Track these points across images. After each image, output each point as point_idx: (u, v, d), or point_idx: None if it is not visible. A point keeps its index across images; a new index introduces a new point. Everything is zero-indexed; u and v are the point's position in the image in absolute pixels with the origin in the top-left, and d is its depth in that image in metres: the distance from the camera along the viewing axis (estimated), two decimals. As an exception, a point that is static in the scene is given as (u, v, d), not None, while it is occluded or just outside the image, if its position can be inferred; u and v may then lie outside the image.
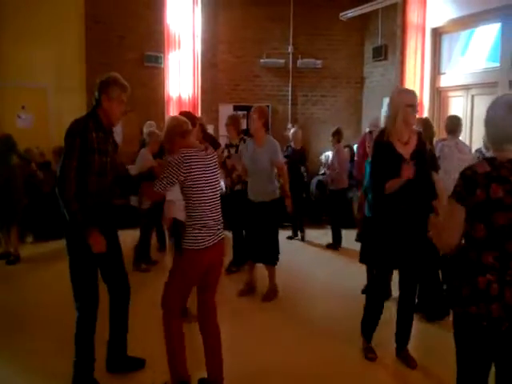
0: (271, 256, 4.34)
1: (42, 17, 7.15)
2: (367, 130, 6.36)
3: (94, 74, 7.66)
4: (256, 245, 4.32)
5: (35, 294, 4.57)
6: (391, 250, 3.12)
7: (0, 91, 6.73)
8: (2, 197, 5.28)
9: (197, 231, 2.58)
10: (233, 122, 5.05)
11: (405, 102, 3.05)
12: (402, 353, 3.26)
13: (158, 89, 8.04)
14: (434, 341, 3.60)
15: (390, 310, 3.45)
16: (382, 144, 3.12)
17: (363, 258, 4.45)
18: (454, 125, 4.53)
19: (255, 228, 4.30)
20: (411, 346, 3.30)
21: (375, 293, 3.31)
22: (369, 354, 3.29)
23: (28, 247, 5.93)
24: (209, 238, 2.61)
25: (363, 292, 4.50)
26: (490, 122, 1.88)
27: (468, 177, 1.81)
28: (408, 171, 2.95)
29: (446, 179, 4.15)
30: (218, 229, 2.68)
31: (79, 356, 2.74)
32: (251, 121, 4.28)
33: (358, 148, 6.83)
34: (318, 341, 3.56)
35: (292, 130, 6.92)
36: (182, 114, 4.17)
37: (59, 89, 7.33)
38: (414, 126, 3.24)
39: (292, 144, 6.83)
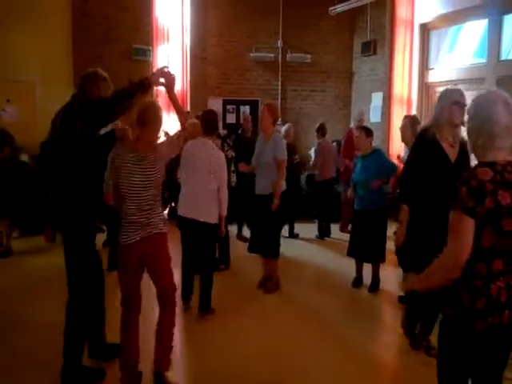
0: (271, 249, 4.38)
1: (29, 9, 7.02)
2: (352, 125, 6.39)
3: (80, 67, 7.59)
4: (256, 237, 4.40)
5: (28, 285, 4.56)
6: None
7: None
8: None
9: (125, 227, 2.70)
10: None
11: (451, 99, 2.87)
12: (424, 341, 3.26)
13: (147, 82, 7.97)
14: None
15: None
16: (427, 142, 2.89)
17: (351, 251, 4.53)
18: None
19: (257, 220, 4.38)
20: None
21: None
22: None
23: (15, 242, 5.86)
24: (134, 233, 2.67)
25: (353, 285, 4.60)
26: (487, 118, 1.77)
27: (475, 188, 1.68)
28: None
29: None
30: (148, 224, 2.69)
31: (70, 344, 2.79)
32: (262, 116, 4.33)
33: (343, 143, 6.88)
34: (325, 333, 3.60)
35: (285, 127, 6.91)
36: (204, 113, 4.22)
37: (46, 82, 7.22)
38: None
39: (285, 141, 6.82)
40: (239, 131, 6.86)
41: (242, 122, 6.99)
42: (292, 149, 6.63)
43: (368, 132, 4.54)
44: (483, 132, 1.78)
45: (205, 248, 3.83)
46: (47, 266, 5.15)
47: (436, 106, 2.98)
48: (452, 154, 2.89)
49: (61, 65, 7.39)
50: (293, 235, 6.56)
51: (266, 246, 4.35)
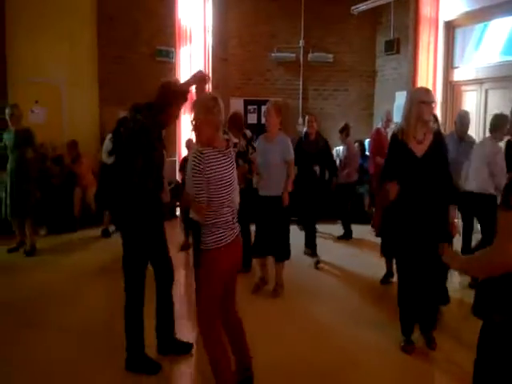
0: (282, 251, 4.35)
1: (55, 13, 7.20)
2: (379, 124, 6.34)
3: (106, 69, 7.75)
4: (266, 239, 4.34)
5: (52, 284, 4.65)
6: (407, 239, 3.19)
7: (13, 87, 6.81)
8: (16, 189, 5.38)
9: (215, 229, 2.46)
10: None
11: (418, 98, 3.13)
12: (426, 335, 3.31)
13: (170, 83, 8.07)
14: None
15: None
16: (397, 141, 3.23)
17: (384, 250, 4.56)
18: (494, 125, 4.52)
19: (265, 223, 4.32)
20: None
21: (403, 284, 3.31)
22: (407, 347, 3.27)
23: (42, 240, 6.01)
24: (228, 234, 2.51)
25: (382, 282, 4.64)
26: None
27: None
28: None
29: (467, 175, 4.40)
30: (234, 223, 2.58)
31: (130, 338, 2.93)
32: (269, 117, 4.27)
33: (370, 142, 6.80)
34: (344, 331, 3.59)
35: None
36: (233, 116, 4.32)
37: (72, 84, 7.39)
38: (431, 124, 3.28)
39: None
40: (302, 136, 5.93)
41: (305, 124, 5.94)
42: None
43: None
44: None
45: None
46: (72, 265, 5.30)
47: (404, 107, 3.25)
48: (419, 149, 3.14)
49: (87, 67, 7.55)
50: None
51: (277, 248, 4.31)
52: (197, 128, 2.47)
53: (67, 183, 6.77)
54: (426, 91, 3.27)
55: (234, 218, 2.57)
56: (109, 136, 5.44)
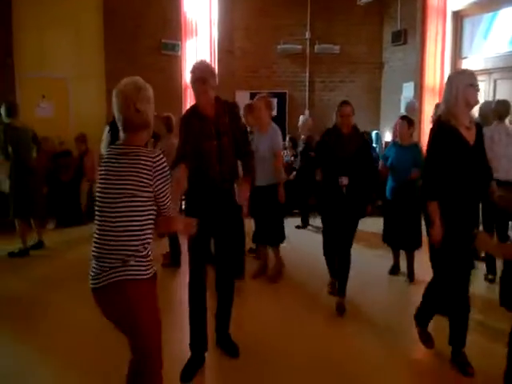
0: (274, 237, 4.52)
1: (60, 6, 7.21)
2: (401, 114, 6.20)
3: (112, 63, 7.75)
4: (259, 227, 4.57)
5: (59, 279, 4.69)
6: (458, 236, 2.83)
7: (20, 81, 6.84)
8: (21, 188, 5.28)
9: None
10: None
11: (466, 81, 2.82)
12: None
13: (175, 76, 8.07)
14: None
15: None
16: (444, 128, 2.82)
17: (387, 239, 4.66)
18: (504, 110, 4.47)
19: (258, 211, 4.49)
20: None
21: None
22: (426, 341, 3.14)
23: (50, 234, 6.07)
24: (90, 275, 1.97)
25: (391, 272, 4.69)
26: None
27: None
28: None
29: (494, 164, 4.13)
30: (101, 270, 1.92)
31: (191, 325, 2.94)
32: (259, 111, 4.38)
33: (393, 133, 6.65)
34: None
35: (302, 118, 6.84)
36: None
37: (79, 78, 7.42)
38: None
39: (302, 136, 6.73)
40: (329, 130, 4.08)
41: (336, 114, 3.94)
42: (311, 141, 6.55)
43: (410, 123, 4.54)
44: None
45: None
46: (79, 258, 5.33)
47: (448, 92, 2.87)
48: (470, 136, 2.83)
49: (93, 61, 7.57)
50: (305, 225, 6.64)
51: (271, 235, 4.50)
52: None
53: (75, 177, 6.82)
54: (472, 74, 2.91)
55: (109, 258, 1.90)
56: (107, 128, 5.45)
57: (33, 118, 5.74)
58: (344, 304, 3.79)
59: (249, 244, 4.99)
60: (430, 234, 2.88)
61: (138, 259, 1.91)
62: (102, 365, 2.99)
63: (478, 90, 2.83)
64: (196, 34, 8.11)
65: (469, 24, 7.49)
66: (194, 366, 2.91)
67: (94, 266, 1.94)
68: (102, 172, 1.97)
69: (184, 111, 3.54)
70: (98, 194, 1.97)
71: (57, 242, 5.90)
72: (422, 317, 3.16)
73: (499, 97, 6.60)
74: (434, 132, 2.89)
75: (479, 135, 2.89)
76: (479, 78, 7.93)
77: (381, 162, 4.77)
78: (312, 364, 3.05)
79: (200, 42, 8.14)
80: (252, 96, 8.64)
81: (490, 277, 4.43)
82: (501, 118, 4.43)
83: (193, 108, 2.97)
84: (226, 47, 8.49)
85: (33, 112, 6.97)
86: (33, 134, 5.40)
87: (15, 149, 5.21)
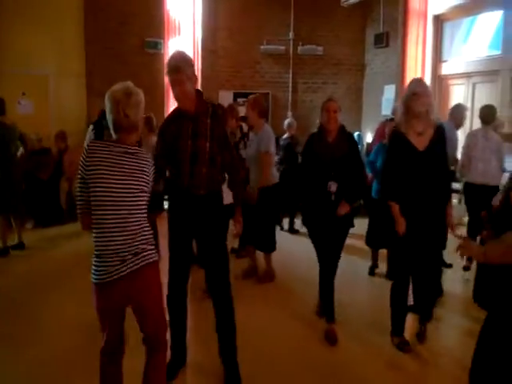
0: (264, 243, 4.45)
1: (42, 4, 7.09)
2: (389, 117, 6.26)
3: (93, 61, 7.66)
4: (247, 230, 4.40)
5: (38, 277, 4.62)
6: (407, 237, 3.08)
7: (1, 79, 6.70)
8: (4, 185, 5.18)
9: (95, 259, 2.10)
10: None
11: (410, 90, 3.02)
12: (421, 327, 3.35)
13: (158, 75, 8.00)
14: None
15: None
16: (396, 136, 3.10)
17: (369, 239, 4.70)
18: (489, 114, 4.57)
19: (246, 214, 4.37)
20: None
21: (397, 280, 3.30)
22: (404, 347, 3.21)
23: (29, 233, 5.95)
24: (104, 270, 2.07)
25: (370, 273, 4.73)
26: None
27: None
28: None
29: (472, 167, 4.40)
30: (123, 260, 2.05)
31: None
32: (246, 112, 4.38)
33: (375, 135, 6.70)
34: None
35: (287, 120, 6.87)
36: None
37: (59, 75, 7.31)
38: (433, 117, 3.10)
39: (286, 135, 6.68)
40: (315, 133, 3.65)
41: (322, 114, 3.58)
42: (295, 142, 6.58)
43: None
44: None
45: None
46: (59, 258, 5.26)
47: (399, 100, 3.19)
48: (420, 143, 3.01)
49: (74, 59, 7.48)
50: (293, 230, 6.43)
51: (259, 239, 4.42)
52: None
53: (54, 175, 6.71)
54: (417, 82, 3.13)
55: (129, 248, 2.06)
56: (91, 127, 5.36)
57: (13, 115, 5.63)
58: (335, 331, 3.35)
59: (231, 243, 4.95)
60: (391, 231, 3.10)
61: (150, 245, 2.14)
62: (86, 362, 2.95)
63: (421, 98, 2.95)
64: (179, 33, 8.07)
65: (449, 28, 7.63)
66: (175, 366, 2.88)
67: (110, 259, 2.05)
68: (100, 170, 2.03)
69: (167, 109, 3.47)
70: (99, 191, 2.03)
71: (36, 241, 5.80)
72: (395, 323, 3.26)
73: (478, 100, 6.75)
74: (389, 138, 3.24)
75: (436, 140, 3.02)
76: (459, 81, 8.15)
77: (370, 176, 4.66)
78: (297, 366, 3.06)
79: (183, 41, 8.09)
80: (236, 96, 8.66)
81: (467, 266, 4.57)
82: (485, 122, 4.52)
83: (173, 112, 2.74)
84: (209, 47, 8.47)
85: (13, 109, 6.83)
86: (20, 133, 5.36)
87: (3, 147, 5.15)
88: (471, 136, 4.62)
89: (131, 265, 2.07)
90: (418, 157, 3.00)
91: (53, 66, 7.27)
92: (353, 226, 3.47)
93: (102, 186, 2.03)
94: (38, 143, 6.96)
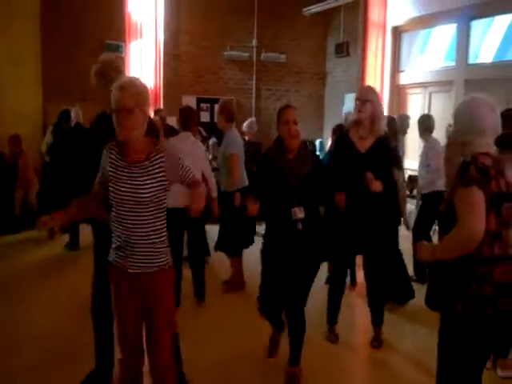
0: (228, 246, 4.39)
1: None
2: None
3: (50, 63, 7.39)
4: (220, 234, 4.45)
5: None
6: (347, 240, 3.27)
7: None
8: None
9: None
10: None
11: (356, 97, 3.33)
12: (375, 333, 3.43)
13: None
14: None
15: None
16: (342, 137, 3.43)
17: None
18: (431, 123, 4.70)
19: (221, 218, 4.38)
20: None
21: (335, 282, 3.48)
22: (331, 336, 3.43)
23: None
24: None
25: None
26: (476, 117, 1.90)
27: (482, 169, 1.82)
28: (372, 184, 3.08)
29: (437, 177, 4.39)
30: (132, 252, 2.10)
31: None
32: (216, 115, 4.40)
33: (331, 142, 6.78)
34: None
35: (247, 122, 6.64)
36: (181, 110, 4.21)
37: (14, 78, 6.99)
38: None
39: (246, 138, 6.29)
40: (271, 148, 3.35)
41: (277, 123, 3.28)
42: (256, 146, 6.35)
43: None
44: (471, 129, 1.91)
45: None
46: (12, 268, 5.01)
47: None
48: (362, 146, 3.21)
49: (29, 61, 7.19)
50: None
51: (224, 242, 4.38)
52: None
53: (8, 181, 6.39)
54: (361, 89, 3.54)
55: (126, 248, 2.09)
56: (50, 128, 5.17)
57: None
58: (299, 375, 2.83)
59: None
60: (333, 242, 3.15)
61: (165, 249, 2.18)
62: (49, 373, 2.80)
63: (362, 104, 3.16)
64: (141, 36, 7.92)
65: (407, 39, 7.89)
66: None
67: (135, 255, 2.08)
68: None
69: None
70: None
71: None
72: (330, 314, 3.45)
73: (434, 109, 7.00)
74: (335, 140, 3.53)
75: (378, 146, 3.20)
76: (416, 90, 8.42)
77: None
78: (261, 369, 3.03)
79: (145, 45, 7.95)
80: (199, 101, 8.60)
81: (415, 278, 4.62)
82: (431, 131, 4.66)
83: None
84: (172, 51, 8.37)
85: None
86: None
87: None
88: (437, 145, 4.66)
89: (154, 264, 2.13)
90: (359, 158, 3.19)
91: (7, 69, 6.95)
92: (322, 261, 2.96)
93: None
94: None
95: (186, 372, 2.70)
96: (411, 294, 4.11)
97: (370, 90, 3.36)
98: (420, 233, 4.46)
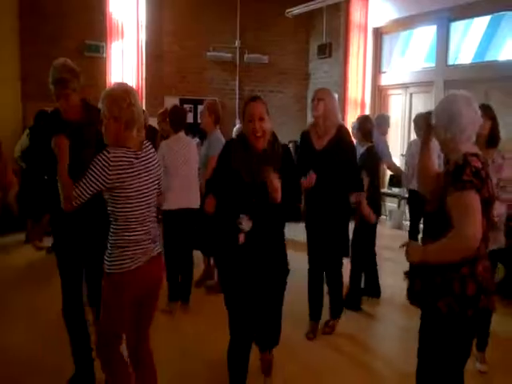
0: (205, 245, 4.45)
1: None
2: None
3: (29, 64, 7.25)
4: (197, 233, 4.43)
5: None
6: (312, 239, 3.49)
7: None
8: None
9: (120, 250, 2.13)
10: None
11: (311, 98, 3.50)
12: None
13: (100, 80, 7.72)
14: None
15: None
16: (303, 135, 3.60)
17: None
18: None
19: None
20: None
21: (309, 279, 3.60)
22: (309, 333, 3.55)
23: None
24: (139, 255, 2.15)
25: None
26: (456, 113, 1.90)
27: (477, 171, 1.80)
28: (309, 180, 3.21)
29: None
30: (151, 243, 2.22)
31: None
32: (202, 115, 4.32)
33: None
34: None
35: (237, 126, 6.80)
36: (172, 110, 4.18)
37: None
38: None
39: None
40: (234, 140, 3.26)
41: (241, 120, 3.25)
42: None
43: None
44: (452, 126, 1.91)
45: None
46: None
47: None
48: (319, 143, 3.40)
49: (7, 62, 7.03)
50: None
51: (204, 243, 4.42)
52: (104, 125, 2.17)
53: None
54: (316, 91, 3.58)
55: (150, 236, 2.21)
56: (26, 131, 5.11)
57: None
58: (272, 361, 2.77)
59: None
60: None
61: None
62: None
63: (319, 103, 3.37)
64: (122, 36, 7.84)
65: (388, 41, 7.99)
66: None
67: (145, 244, 2.18)
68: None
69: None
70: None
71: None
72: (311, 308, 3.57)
73: (415, 109, 7.10)
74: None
75: (333, 144, 3.34)
76: (396, 91, 8.54)
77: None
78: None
79: (127, 45, 7.87)
80: (182, 102, 8.54)
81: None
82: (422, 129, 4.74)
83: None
84: (154, 51, 8.30)
85: None
86: None
87: None
88: (414, 145, 4.76)
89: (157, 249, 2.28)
90: (315, 155, 3.36)
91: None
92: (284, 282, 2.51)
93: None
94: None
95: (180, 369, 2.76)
96: (377, 293, 4.29)
97: (324, 91, 3.56)
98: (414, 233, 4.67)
